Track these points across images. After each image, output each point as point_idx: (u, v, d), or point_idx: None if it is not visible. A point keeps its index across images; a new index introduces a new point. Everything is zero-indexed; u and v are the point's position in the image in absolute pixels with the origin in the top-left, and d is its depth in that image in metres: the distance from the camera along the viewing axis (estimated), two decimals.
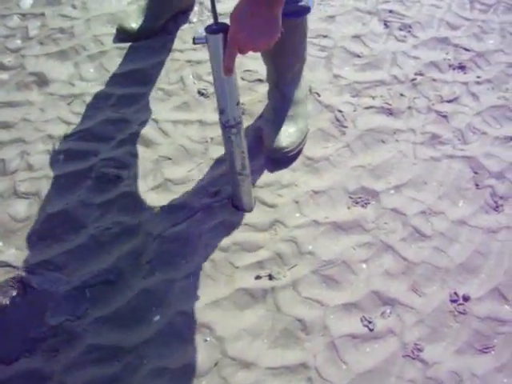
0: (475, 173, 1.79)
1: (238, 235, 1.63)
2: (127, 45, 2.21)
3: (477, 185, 1.76)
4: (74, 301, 1.51)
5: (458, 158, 1.83)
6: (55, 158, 1.84)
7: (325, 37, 2.25)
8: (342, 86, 2.05)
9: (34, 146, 1.88)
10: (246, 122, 1.90)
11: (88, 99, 2.03)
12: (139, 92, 2.05)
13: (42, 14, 2.35)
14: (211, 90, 2.03)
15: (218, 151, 1.83)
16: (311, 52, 2.18)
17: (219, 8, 1.29)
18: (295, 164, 1.81)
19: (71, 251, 1.62)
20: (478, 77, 2.10)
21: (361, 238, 1.63)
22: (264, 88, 1.99)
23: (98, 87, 2.06)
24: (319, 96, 2.01)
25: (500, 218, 1.68)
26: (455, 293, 1.52)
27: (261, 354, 1.42)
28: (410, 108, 1.98)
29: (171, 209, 1.70)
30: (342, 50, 2.20)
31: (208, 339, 1.44)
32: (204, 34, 1.25)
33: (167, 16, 2.26)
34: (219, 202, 1.70)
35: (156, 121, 1.94)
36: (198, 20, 2.32)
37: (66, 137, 1.90)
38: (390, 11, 2.36)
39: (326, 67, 2.13)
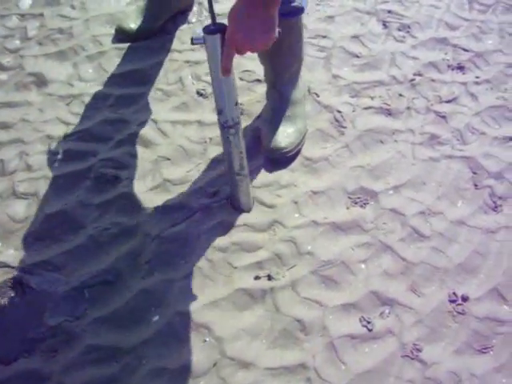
0: (474, 173, 1.79)
1: (237, 235, 1.63)
2: (126, 45, 2.21)
3: (476, 185, 1.76)
4: (73, 301, 1.51)
5: (457, 159, 1.83)
6: (54, 159, 1.84)
7: (324, 37, 2.25)
8: (340, 86, 2.06)
9: (32, 147, 1.88)
10: (245, 122, 1.90)
11: (87, 99, 2.03)
12: (138, 92, 2.05)
13: (41, 15, 2.35)
14: (210, 90, 2.03)
15: (217, 151, 1.84)
16: (310, 52, 2.18)
17: (217, 8, 1.29)
18: (294, 164, 1.81)
19: (70, 252, 1.62)
20: (477, 77, 2.10)
21: (360, 238, 1.63)
22: (262, 88, 1.99)
23: (96, 87, 2.06)
24: (318, 96, 2.01)
25: (499, 218, 1.68)
26: (454, 293, 1.52)
27: (260, 354, 1.41)
28: (408, 108, 1.98)
29: (170, 209, 1.70)
30: (340, 50, 2.20)
31: (207, 339, 1.44)
32: (202, 34, 1.25)
33: (166, 16, 2.26)
34: (218, 203, 1.70)
35: (155, 121, 1.94)
36: (197, 20, 2.32)
37: (65, 137, 1.90)
38: (389, 11, 2.37)
39: (324, 67, 2.13)
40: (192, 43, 1.28)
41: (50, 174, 1.80)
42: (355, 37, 2.26)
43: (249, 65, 2.12)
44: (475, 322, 1.47)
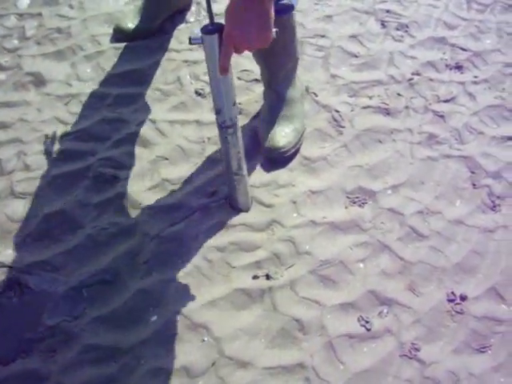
0: (472, 172, 1.79)
1: (235, 235, 1.64)
2: (124, 45, 2.21)
3: (474, 184, 1.76)
4: (72, 301, 1.51)
5: (455, 158, 1.83)
6: (52, 158, 1.84)
7: (322, 37, 2.25)
8: (339, 85, 2.06)
9: (30, 146, 1.88)
10: (243, 122, 1.90)
11: (85, 99, 2.02)
12: (136, 92, 2.05)
13: (39, 14, 2.35)
14: (208, 90, 2.03)
15: (215, 151, 1.84)
16: (308, 52, 2.18)
17: (215, 8, 1.30)
18: (292, 164, 1.81)
19: (68, 251, 1.62)
20: (475, 76, 2.10)
21: (358, 237, 1.64)
22: (261, 88, 1.99)
23: (94, 87, 2.06)
24: (316, 96, 2.01)
25: (497, 217, 1.69)
26: (452, 292, 1.52)
27: (258, 353, 1.42)
28: (407, 108, 1.98)
29: (168, 209, 1.70)
30: (339, 49, 2.20)
31: (205, 339, 1.44)
32: (200, 34, 1.26)
33: (164, 16, 2.26)
34: (216, 202, 1.70)
35: (153, 121, 1.94)
36: (195, 20, 2.32)
37: (63, 137, 1.90)
38: (387, 11, 2.37)
39: (323, 67, 2.13)
40: (190, 43, 1.28)
41: (48, 174, 1.80)
42: (353, 36, 2.26)
43: (247, 64, 2.12)
44: (473, 322, 1.47)
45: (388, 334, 1.45)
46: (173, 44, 2.22)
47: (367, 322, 1.47)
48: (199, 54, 2.17)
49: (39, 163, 1.83)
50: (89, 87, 2.06)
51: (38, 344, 1.44)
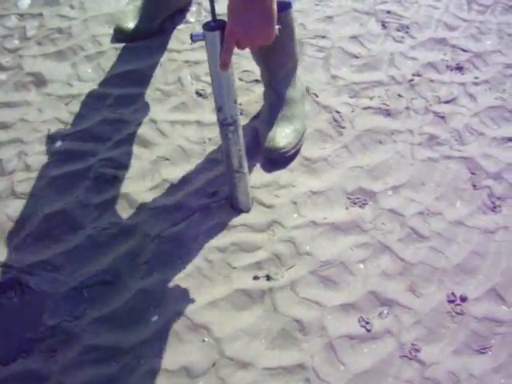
0: (473, 173, 1.79)
1: (236, 236, 1.64)
2: (125, 45, 2.21)
3: (474, 185, 1.76)
4: (72, 301, 1.51)
5: (456, 159, 1.83)
6: (53, 159, 1.84)
7: (323, 37, 2.25)
8: (339, 86, 2.06)
9: (31, 147, 1.88)
10: (243, 122, 1.90)
11: (86, 99, 2.03)
12: (137, 92, 2.05)
13: (40, 14, 2.35)
14: (209, 90, 2.03)
15: (216, 152, 1.84)
16: (309, 52, 2.18)
17: (218, 8, 1.29)
18: (293, 164, 1.81)
19: (69, 251, 1.62)
20: (476, 77, 2.10)
21: (358, 238, 1.64)
22: (261, 88, 1.99)
23: (95, 87, 2.06)
24: (317, 97, 2.01)
25: (497, 218, 1.69)
26: (452, 293, 1.52)
27: (258, 354, 1.42)
28: (407, 109, 1.98)
29: (169, 209, 1.70)
30: (339, 50, 2.20)
31: (206, 339, 1.44)
32: (202, 31, 1.26)
33: (164, 15, 2.26)
34: (217, 203, 1.70)
35: (154, 121, 1.94)
36: (196, 20, 2.32)
37: (64, 137, 1.90)
38: (388, 12, 2.37)
39: (323, 68, 2.13)
40: (192, 40, 1.28)
41: (49, 174, 1.80)
42: (354, 37, 2.26)
43: (248, 65, 2.12)
44: (474, 323, 1.47)
45: (388, 335, 1.45)
46: (174, 44, 2.22)
47: (367, 323, 1.47)
48: (200, 54, 2.17)
49: (40, 163, 1.83)
50: (89, 87, 2.07)
51: (38, 344, 1.44)
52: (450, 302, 1.51)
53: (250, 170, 1.77)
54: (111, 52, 2.19)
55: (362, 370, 1.39)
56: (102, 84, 2.08)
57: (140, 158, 1.84)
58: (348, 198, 1.73)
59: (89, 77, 2.11)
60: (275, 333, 1.45)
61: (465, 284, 1.55)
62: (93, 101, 2.02)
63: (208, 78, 2.05)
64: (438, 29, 2.30)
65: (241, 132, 1.51)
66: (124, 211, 1.70)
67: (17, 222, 1.69)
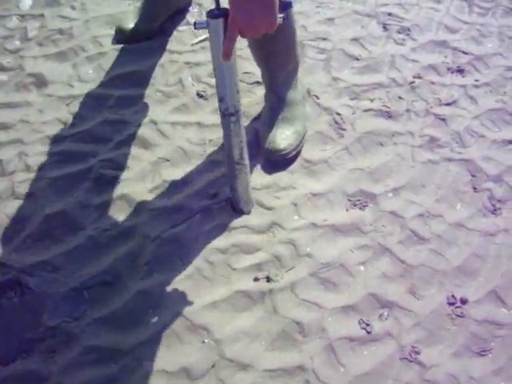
0: (473, 176, 1.79)
1: (236, 237, 1.64)
2: (126, 46, 2.21)
3: (475, 188, 1.76)
4: (72, 302, 1.51)
5: (456, 161, 1.83)
6: (53, 159, 1.84)
7: (324, 39, 2.25)
8: (340, 88, 2.06)
9: (32, 147, 1.88)
10: (244, 124, 1.90)
11: (86, 100, 2.03)
12: (138, 93, 2.05)
13: (41, 15, 2.35)
14: (210, 91, 2.03)
15: (217, 153, 1.84)
16: (310, 54, 2.18)
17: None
18: (293, 166, 1.81)
19: (69, 252, 1.62)
20: (477, 80, 2.10)
21: (359, 240, 1.64)
22: (262, 90, 1.99)
23: (96, 88, 2.06)
24: (318, 99, 2.01)
25: (498, 221, 1.69)
26: (453, 296, 1.52)
27: (258, 356, 1.41)
28: (408, 111, 1.98)
29: (169, 210, 1.70)
30: (340, 52, 2.20)
31: (206, 341, 1.44)
32: (205, 18, 1.25)
33: (164, 16, 2.26)
34: (218, 204, 1.70)
35: (154, 122, 1.94)
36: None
37: (65, 138, 1.90)
38: (389, 14, 2.37)
39: (324, 70, 2.13)
40: (195, 27, 1.27)
41: (49, 175, 1.80)
42: (355, 39, 2.26)
43: (249, 67, 2.12)
44: (474, 325, 1.47)
45: (388, 337, 1.45)
46: (175, 46, 2.22)
47: (368, 325, 1.47)
48: (201, 55, 2.17)
49: (40, 164, 1.83)
50: (90, 88, 2.07)
51: (38, 344, 1.44)
52: (450, 304, 1.51)
53: (251, 171, 1.77)
54: (112, 53, 2.19)
55: (361, 372, 1.39)
56: (103, 85, 2.08)
57: (140, 159, 1.84)
58: (348, 200, 1.73)
59: (90, 78, 2.11)
60: (275, 334, 1.45)
61: (465, 286, 1.55)
62: (93, 102, 2.02)
63: (209, 80, 2.05)
64: (439, 31, 2.30)
65: (242, 123, 1.49)
66: (124, 212, 1.70)
67: (17, 223, 1.69)
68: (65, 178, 1.79)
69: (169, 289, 1.53)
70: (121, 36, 2.22)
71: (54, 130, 1.93)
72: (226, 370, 1.39)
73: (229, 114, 1.44)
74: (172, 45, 2.23)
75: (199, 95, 2.03)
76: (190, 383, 1.37)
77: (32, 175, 1.80)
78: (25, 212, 1.71)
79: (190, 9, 2.37)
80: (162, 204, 1.71)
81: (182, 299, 1.51)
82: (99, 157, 1.84)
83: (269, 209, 1.70)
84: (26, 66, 2.15)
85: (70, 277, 1.56)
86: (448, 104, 2.01)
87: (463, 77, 2.12)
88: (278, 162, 1.80)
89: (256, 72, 2.08)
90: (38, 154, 1.86)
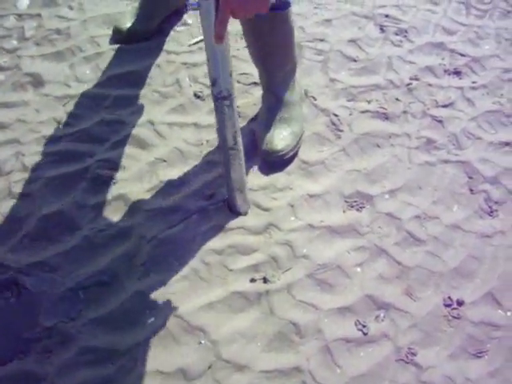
0: (470, 178, 1.80)
1: (233, 238, 1.64)
2: (123, 46, 2.21)
3: (471, 190, 1.77)
4: (68, 302, 1.51)
5: (453, 163, 1.83)
6: (50, 159, 1.84)
7: (321, 40, 2.25)
8: (337, 90, 2.06)
9: (28, 147, 1.87)
10: (241, 125, 1.90)
11: (83, 100, 2.02)
12: (135, 94, 2.04)
13: (39, 15, 2.35)
14: (207, 92, 2.03)
15: (214, 154, 1.84)
16: (307, 56, 2.18)
17: None
18: (290, 167, 1.81)
19: (65, 252, 1.61)
20: (474, 82, 2.10)
21: (355, 241, 1.64)
22: (259, 91, 1.99)
23: (93, 88, 2.06)
24: (315, 100, 2.01)
25: (494, 222, 1.69)
26: (449, 297, 1.53)
27: (255, 357, 1.42)
28: (405, 112, 1.99)
29: (166, 211, 1.70)
30: (338, 54, 2.20)
31: (202, 342, 1.44)
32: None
33: (161, 16, 2.26)
34: (214, 205, 1.70)
35: (152, 123, 1.94)
36: (194, 22, 2.32)
37: (62, 138, 1.90)
38: (386, 16, 2.37)
39: (322, 71, 2.13)
40: (186, 9, 1.24)
41: (46, 175, 1.79)
42: (352, 41, 2.26)
43: (246, 67, 2.12)
44: (470, 327, 1.47)
45: (385, 339, 1.45)
46: (172, 46, 2.22)
47: (364, 326, 1.47)
48: (198, 56, 2.17)
49: (37, 164, 1.83)
50: (87, 88, 2.06)
51: (34, 345, 1.43)
52: (447, 305, 1.51)
53: (247, 172, 1.77)
54: (109, 53, 2.19)
55: (358, 374, 1.39)
56: (100, 85, 2.07)
57: (137, 159, 1.84)
58: (345, 202, 1.73)
59: (87, 78, 2.11)
60: (272, 335, 1.45)
61: (461, 288, 1.55)
62: (90, 102, 2.02)
63: (206, 80, 2.05)
64: (436, 33, 2.30)
65: (235, 106, 1.46)
66: (121, 212, 1.70)
67: (13, 223, 1.69)
68: (61, 177, 1.79)
69: (165, 289, 1.53)
70: (118, 36, 2.22)
71: (51, 129, 1.92)
72: (222, 370, 1.39)
73: (222, 98, 1.40)
74: (169, 45, 2.22)
75: (196, 96, 2.03)
76: None
77: (29, 175, 1.80)
78: (21, 212, 1.71)
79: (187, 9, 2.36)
80: (158, 204, 1.71)
81: (178, 300, 1.51)
82: (96, 157, 1.84)
83: (265, 210, 1.70)
84: (23, 66, 2.15)
85: (66, 277, 1.56)
86: (445, 106, 2.02)
87: (460, 79, 2.12)
88: (275, 162, 1.80)
89: (253, 73, 2.08)
90: (34, 154, 1.85)
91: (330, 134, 1.91)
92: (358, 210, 1.71)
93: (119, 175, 1.79)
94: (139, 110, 1.99)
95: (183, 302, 1.51)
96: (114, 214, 1.70)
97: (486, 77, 2.13)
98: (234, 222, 1.67)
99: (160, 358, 1.41)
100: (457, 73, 2.14)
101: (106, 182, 1.77)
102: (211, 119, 1.91)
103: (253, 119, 1.94)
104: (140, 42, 2.22)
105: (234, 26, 2.23)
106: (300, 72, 2.04)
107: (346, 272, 1.57)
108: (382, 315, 1.49)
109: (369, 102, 2.02)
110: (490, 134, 1.93)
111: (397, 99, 2.03)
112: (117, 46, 2.21)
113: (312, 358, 1.41)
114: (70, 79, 2.10)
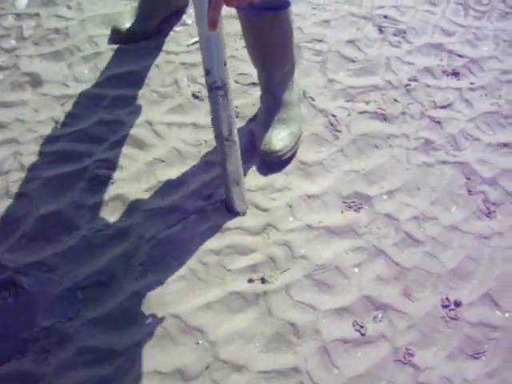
0: (468, 179, 1.80)
1: (231, 238, 1.63)
2: (122, 46, 2.21)
3: (469, 191, 1.77)
4: (66, 302, 1.51)
5: (451, 164, 1.83)
6: (48, 159, 1.84)
7: (320, 41, 2.25)
8: (336, 90, 2.06)
9: (27, 147, 1.87)
10: (240, 125, 1.90)
11: (82, 100, 2.02)
12: (133, 94, 2.04)
13: (37, 15, 2.34)
14: (205, 92, 2.02)
15: (212, 154, 1.83)
16: (306, 56, 2.18)
17: None
18: (288, 168, 1.81)
19: (63, 252, 1.61)
20: (472, 83, 2.11)
21: (353, 242, 1.64)
22: (258, 92, 1.99)
23: (92, 88, 2.06)
24: (313, 100, 2.01)
25: (492, 224, 1.69)
26: (447, 298, 1.53)
27: (253, 357, 1.41)
28: (403, 113, 1.99)
29: (164, 211, 1.70)
30: (336, 54, 2.20)
31: (200, 342, 1.44)
32: None
33: (160, 16, 2.26)
34: (212, 205, 1.70)
35: (150, 123, 1.94)
36: (193, 22, 2.32)
37: (60, 138, 1.90)
38: (385, 17, 2.37)
39: (320, 71, 2.13)
40: None
41: (44, 175, 1.79)
42: (351, 41, 2.26)
43: (245, 68, 2.12)
44: (468, 328, 1.47)
45: (382, 339, 1.45)
46: (171, 46, 2.22)
47: (362, 327, 1.47)
48: (197, 56, 2.16)
49: (35, 164, 1.82)
50: (86, 88, 2.06)
51: (32, 345, 1.43)
52: (445, 306, 1.51)
53: (246, 173, 1.77)
54: (108, 53, 2.19)
55: (355, 374, 1.39)
56: (99, 85, 2.07)
57: (136, 159, 1.83)
58: (343, 202, 1.73)
59: (85, 77, 2.11)
60: (269, 336, 1.45)
61: (459, 289, 1.55)
62: (89, 102, 2.02)
63: (204, 80, 2.05)
64: (435, 34, 2.31)
65: (230, 97, 1.43)
66: (119, 212, 1.70)
67: (11, 223, 1.68)
68: (59, 177, 1.79)
69: (163, 289, 1.53)
70: (117, 36, 2.22)
71: (49, 129, 1.92)
72: (220, 371, 1.39)
73: (216, 88, 1.38)
74: (168, 45, 2.22)
75: (195, 96, 2.03)
76: None
77: (26, 175, 1.80)
78: (19, 212, 1.71)
79: (187, 10, 2.36)
80: (156, 204, 1.71)
81: (176, 300, 1.51)
82: (94, 157, 1.84)
83: (264, 210, 1.70)
84: (22, 65, 2.15)
85: (64, 277, 1.56)
86: (443, 107, 2.02)
87: (458, 80, 2.12)
88: (273, 163, 1.80)
89: (252, 73, 2.08)
90: (32, 154, 1.85)
91: (328, 135, 1.91)
92: (356, 210, 1.71)
93: (117, 175, 1.79)
94: (137, 110, 1.98)
95: (181, 302, 1.51)
96: (112, 214, 1.70)
97: (484, 78, 2.13)
98: (232, 223, 1.67)
99: (158, 358, 1.41)
100: (455, 74, 2.14)
101: (104, 182, 1.77)
102: (209, 120, 1.91)
103: (251, 119, 1.94)
104: (139, 42, 2.22)
105: (234, 27, 2.24)
106: (298, 72, 2.04)
107: (344, 273, 1.57)
108: (379, 316, 1.49)
109: (367, 102, 2.02)
110: (488, 135, 1.93)
111: (395, 100, 2.03)
112: (115, 45, 2.21)
113: (310, 358, 1.41)
114: (69, 79, 2.10)
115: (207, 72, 1.35)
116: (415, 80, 2.10)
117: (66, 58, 2.18)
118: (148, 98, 2.03)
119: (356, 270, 1.58)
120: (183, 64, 2.15)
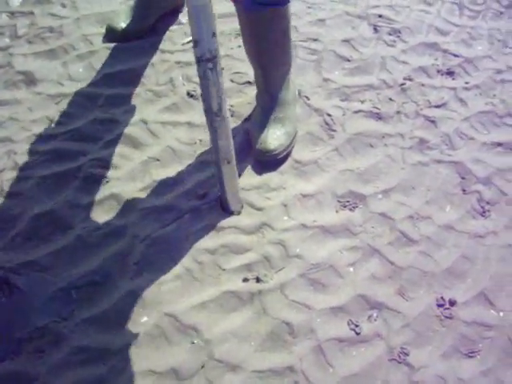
0: (462, 178, 1.80)
1: (226, 237, 1.63)
2: (117, 45, 2.20)
3: (464, 190, 1.77)
4: (61, 302, 1.50)
5: (446, 163, 1.84)
6: (42, 158, 1.83)
7: (315, 40, 2.25)
8: (331, 89, 2.06)
9: (21, 146, 1.87)
10: (235, 124, 1.90)
11: (76, 99, 2.01)
12: (128, 93, 2.04)
13: (31, 13, 2.34)
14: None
15: (207, 153, 1.83)
16: (301, 55, 2.18)
17: None
18: (283, 167, 1.81)
19: (58, 252, 1.61)
20: (467, 82, 2.11)
21: (348, 241, 1.64)
22: (253, 91, 1.99)
23: (86, 87, 2.05)
24: (308, 99, 2.01)
25: (487, 223, 1.69)
26: (441, 297, 1.53)
27: (247, 356, 1.41)
28: (398, 113, 1.99)
29: (159, 210, 1.69)
30: (331, 53, 2.20)
31: (195, 341, 1.44)
32: None
33: (156, 15, 2.25)
34: (207, 204, 1.70)
35: (145, 122, 1.94)
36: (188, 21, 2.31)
37: (54, 136, 1.89)
38: (380, 16, 2.37)
39: (315, 71, 2.13)
40: None
41: (38, 174, 1.78)
42: (346, 40, 2.26)
43: (241, 67, 2.12)
44: (462, 327, 1.48)
45: (377, 338, 1.45)
46: (166, 45, 2.21)
47: (357, 326, 1.47)
48: (192, 55, 2.16)
49: (29, 163, 1.82)
50: (80, 87, 2.05)
51: (26, 344, 1.43)
52: (439, 305, 1.52)
53: (241, 172, 1.77)
54: (103, 52, 2.18)
55: (350, 373, 1.39)
56: (93, 84, 2.07)
57: (130, 158, 1.83)
58: (338, 201, 1.73)
59: (80, 76, 2.10)
60: (264, 335, 1.45)
61: (454, 288, 1.55)
62: (84, 100, 2.01)
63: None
64: (430, 33, 2.31)
65: (220, 70, 1.38)
66: (114, 212, 1.70)
67: (5, 222, 1.68)
68: (54, 176, 1.78)
69: (158, 289, 1.53)
70: (112, 35, 2.21)
71: (44, 128, 1.92)
72: (214, 370, 1.39)
73: (205, 60, 1.33)
74: (163, 44, 2.22)
75: (189, 95, 2.03)
76: None
77: (21, 174, 1.79)
78: (13, 211, 1.70)
79: (182, 9, 2.36)
80: (151, 204, 1.71)
81: (171, 299, 1.51)
82: (89, 156, 1.83)
83: (259, 209, 1.70)
84: (16, 64, 2.14)
85: (58, 276, 1.56)
86: (438, 106, 2.02)
87: (453, 79, 2.12)
88: (268, 162, 1.80)
89: (247, 72, 2.08)
90: (26, 153, 1.85)
91: (323, 134, 1.91)
92: (350, 209, 1.71)
93: (112, 174, 1.79)
94: (132, 109, 1.98)
95: (176, 302, 1.51)
96: (106, 213, 1.69)
97: (479, 77, 2.13)
98: (227, 222, 1.67)
99: (152, 357, 1.41)
100: (450, 73, 2.14)
101: (98, 181, 1.77)
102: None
103: (247, 119, 1.94)
104: (134, 40, 2.21)
105: (229, 25, 2.24)
106: (293, 71, 2.03)
107: (338, 272, 1.57)
108: (374, 315, 1.49)
109: (362, 101, 2.02)
110: (483, 135, 1.93)
111: (390, 99, 2.03)
112: (110, 44, 2.20)
113: (305, 357, 1.41)
114: (63, 78, 2.09)
115: (196, 44, 1.31)
116: (410, 79, 2.10)
117: (61, 57, 2.17)
118: (143, 97, 2.02)
119: (351, 269, 1.58)
120: (178, 63, 2.14)
